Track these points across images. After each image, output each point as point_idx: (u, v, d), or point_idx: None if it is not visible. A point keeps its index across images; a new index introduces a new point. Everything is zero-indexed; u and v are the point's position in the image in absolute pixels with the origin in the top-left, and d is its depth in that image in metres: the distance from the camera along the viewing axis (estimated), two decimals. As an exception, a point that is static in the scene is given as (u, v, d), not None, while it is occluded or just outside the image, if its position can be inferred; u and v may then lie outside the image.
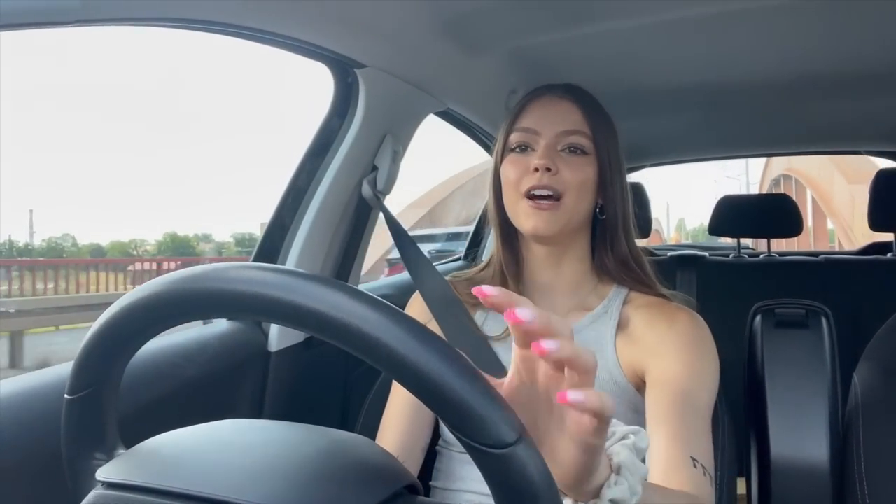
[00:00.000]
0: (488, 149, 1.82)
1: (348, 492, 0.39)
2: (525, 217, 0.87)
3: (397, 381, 0.36)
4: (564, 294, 0.93)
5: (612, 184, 0.90)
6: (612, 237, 0.92)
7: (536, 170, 0.85)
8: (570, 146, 0.88)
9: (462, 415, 0.35)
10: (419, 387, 0.35)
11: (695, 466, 0.71)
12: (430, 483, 0.96)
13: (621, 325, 0.89)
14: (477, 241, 2.08)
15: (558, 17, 1.10)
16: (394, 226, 1.12)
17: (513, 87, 1.45)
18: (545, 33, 1.17)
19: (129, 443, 0.47)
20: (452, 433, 0.36)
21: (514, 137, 0.91)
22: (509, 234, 0.94)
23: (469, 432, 0.35)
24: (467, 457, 0.35)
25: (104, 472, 0.42)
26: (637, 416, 0.85)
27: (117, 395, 0.46)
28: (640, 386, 0.85)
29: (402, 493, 0.40)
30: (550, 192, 0.85)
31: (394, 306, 0.37)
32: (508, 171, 0.89)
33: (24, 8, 0.56)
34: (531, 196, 0.86)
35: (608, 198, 0.90)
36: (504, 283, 0.93)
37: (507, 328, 0.90)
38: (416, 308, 0.95)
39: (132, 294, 0.40)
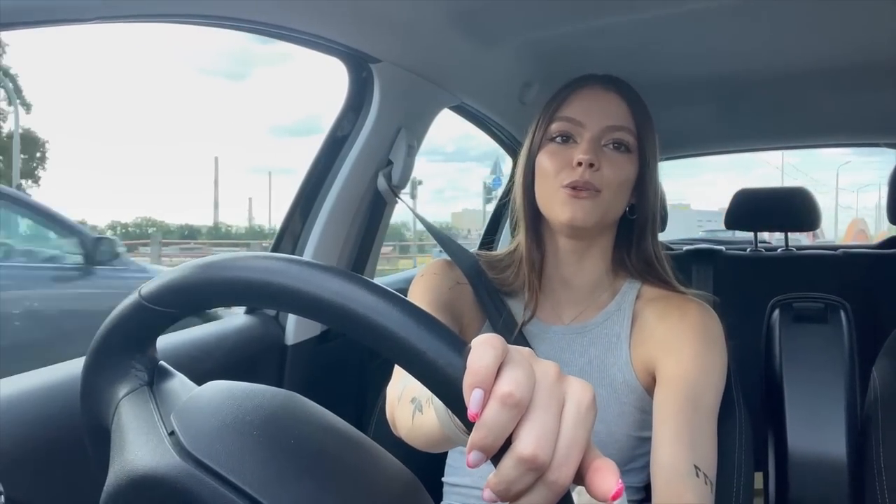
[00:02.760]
0: (502, 143, 1.81)
1: None
2: (561, 206, 0.83)
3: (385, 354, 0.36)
4: (581, 290, 0.92)
5: (648, 183, 0.88)
6: (640, 236, 0.90)
7: (579, 164, 0.82)
8: (614, 142, 0.85)
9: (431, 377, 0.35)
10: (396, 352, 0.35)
11: (697, 475, 0.71)
12: (442, 479, 0.96)
13: (635, 322, 0.88)
14: (492, 233, 2.07)
15: (571, 9, 1.10)
16: (417, 215, 1.17)
17: (526, 80, 1.45)
18: (558, 25, 1.17)
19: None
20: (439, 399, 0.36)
21: (557, 126, 0.87)
22: (537, 225, 0.92)
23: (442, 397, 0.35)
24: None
25: (189, 439, 0.39)
26: (644, 416, 0.85)
27: (176, 322, 0.45)
28: (650, 386, 0.84)
29: None
30: (590, 189, 0.83)
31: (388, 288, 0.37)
32: (546, 162, 0.86)
33: (46, 5, 0.57)
34: (569, 187, 0.83)
35: (642, 197, 0.88)
36: (528, 275, 0.92)
37: (532, 315, 0.90)
38: (423, 285, 0.93)
39: (261, 259, 0.39)
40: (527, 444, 0.33)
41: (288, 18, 0.88)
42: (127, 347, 0.45)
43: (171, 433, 0.40)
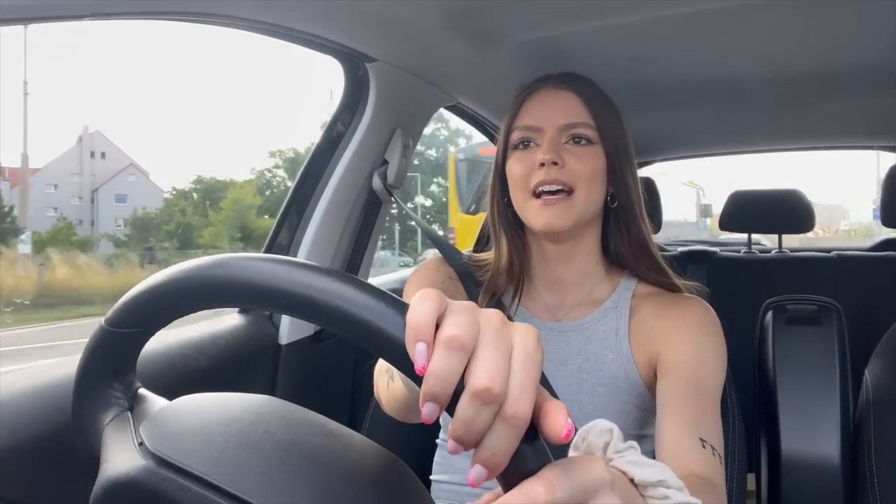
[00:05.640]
0: (496, 142, 1.81)
1: None
2: (535, 215, 0.85)
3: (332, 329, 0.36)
4: (574, 287, 0.92)
5: (621, 171, 0.88)
6: (629, 223, 0.91)
7: (543, 165, 0.84)
8: (573, 137, 0.86)
9: (381, 342, 0.34)
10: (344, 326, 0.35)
11: (703, 447, 0.70)
12: (431, 477, 0.96)
13: (633, 317, 0.88)
14: (486, 237, 2.07)
15: (567, 11, 1.10)
16: (411, 214, 1.17)
17: (523, 81, 1.44)
18: (554, 27, 1.17)
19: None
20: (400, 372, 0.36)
21: (516, 136, 0.89)
22: (516, 231, 0.94)
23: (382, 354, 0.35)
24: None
25: (151, 440, 0.40)
26: (643, 413, 0.85)
27: (146, 341, 0.46)
28: (651, 382, 0.85)
29: None
30: (561, 187, 0.84)
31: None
32: (514, 169, 0.88)
33: (41, 2, 0.57)
34: (540, 193, 0.84)
35: (619, 185, 0.89)
36: (513, 280, 0.93)
37: (513, 312, 0.91)
38: (418, 279, 0.96)
39: (206, 261, 0.40)
40: (478, 377, 0.32)
41: (284, 17, 0.88)
42: (104, 376, 0.46)
43: (141, 443, 0.41)
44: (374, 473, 0.42)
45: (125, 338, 0.44)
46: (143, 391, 0.47)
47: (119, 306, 0.43)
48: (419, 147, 1.40)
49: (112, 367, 0.46)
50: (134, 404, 0.46)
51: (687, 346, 0.81)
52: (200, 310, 0.42)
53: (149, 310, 0.42)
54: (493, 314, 0.36)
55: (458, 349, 0.33)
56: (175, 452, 0.39)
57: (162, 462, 0.38)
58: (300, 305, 0.36)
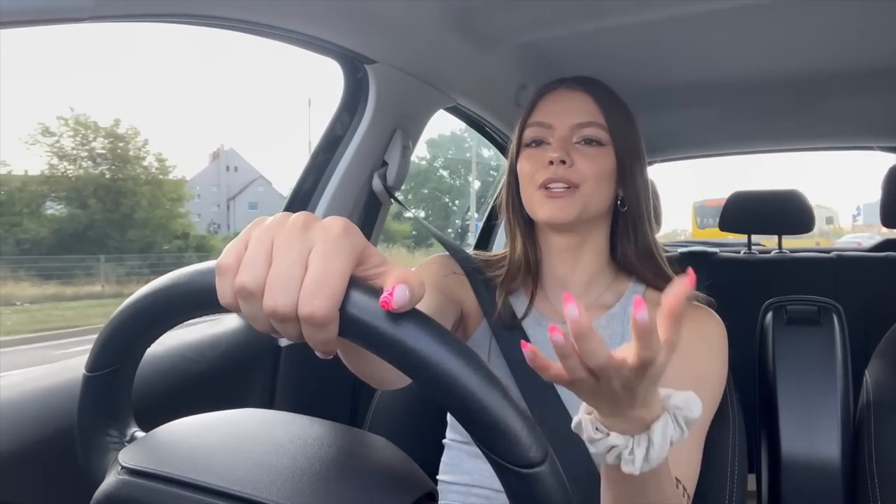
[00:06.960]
0: (496, 144, 1.81)
1: (371, 497, 0.39)
2: (540, 206, 0.86)
3: (425, 390, 0.36)
4: (580, 288, 0.92)
5: (631, 174, 0.88)
6: (636, 228, 0.90)
7: (551, 163, 0.84)
8: (585, 138, 0.87)
9: (491, 432, 0.35)
10: (448, 398, 0.35)
11: (677, 487, 0.69)
12: (438, 477, 0.96)
13: None
14: (487, 236, 2.07)
15: (567, 12, 1.10)
16: (414, 215, 1.17)
17: (522, 83, 1.45)
18: (554, 28, 1.17)
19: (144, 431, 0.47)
20: (480, 448, 0.36)
21: (529, 133, 0.90)
22: (529, 228, 0.94)
23: (497, 450, 0.35)
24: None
25: (127, 457, 0.42)
26: None
27: (133, 376, 0.47)
28: None
29: (421, 502, 0.40)
30: (567, 185, 0.84)
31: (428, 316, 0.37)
32: (524, 166, 0.89)
33: (39, 5, 0.57)
34: (546, 186, 0.85)
35: (629, 188, 0.89)
36: (525, 276, 0.93)
37: (527, 313, 0.91)
38: (430, 269, 0.96)
39: (161, 281, 0.41)
40: (266, 300, 0.35)
41: (283, 19, 0.88)
42: (98, 422, 0.47)
43: (121, 467, 0.42)
44: (360, 455, 0.43)
45: (106, 380, 0.45)
46: (139, 433, 0.48)
47: (91, 350, 0.45)
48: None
49: (104, 412, 0.47)
50: None
51: (683, 360, 0.79)
52: (152, 335, 0.44)
53: (115, 346, 0.44)
54: (294, 222, 0.37)
55: (247, 296, 0.36)
56: (147, 462, 0.41)
57: (135, 472, 0.40)
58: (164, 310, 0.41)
